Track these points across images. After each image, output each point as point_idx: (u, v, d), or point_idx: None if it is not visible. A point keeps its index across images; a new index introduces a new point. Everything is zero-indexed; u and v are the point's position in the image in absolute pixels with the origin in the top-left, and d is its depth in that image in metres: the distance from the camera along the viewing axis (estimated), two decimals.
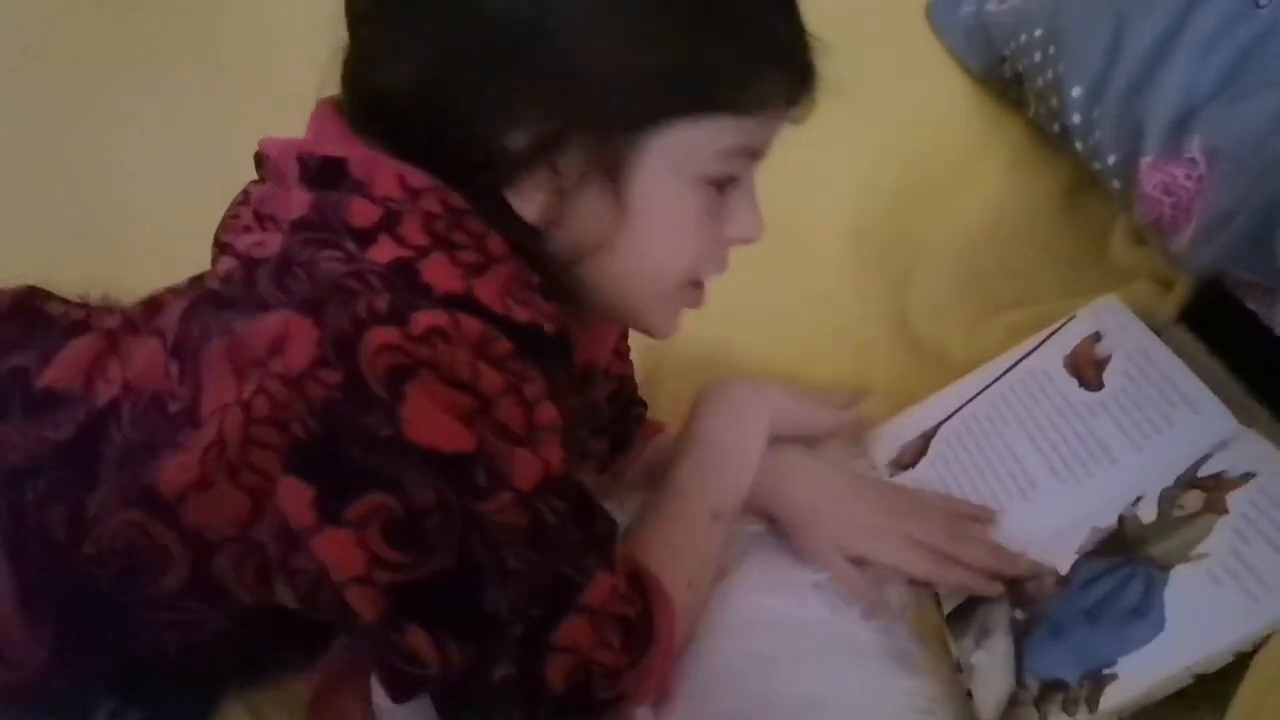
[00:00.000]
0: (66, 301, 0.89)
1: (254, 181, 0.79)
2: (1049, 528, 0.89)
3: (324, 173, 0.71)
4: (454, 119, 0.70)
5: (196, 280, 0.80)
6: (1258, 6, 0.91)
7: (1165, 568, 0.78)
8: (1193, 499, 0.82)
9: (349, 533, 0.63)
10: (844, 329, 1.18)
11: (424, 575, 0.64)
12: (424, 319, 0.65)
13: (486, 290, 0.69)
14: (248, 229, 0.74)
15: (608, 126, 0.71)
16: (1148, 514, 0.83)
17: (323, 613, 0.69)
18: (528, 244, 0.73)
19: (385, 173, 0.70)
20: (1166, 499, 0.83)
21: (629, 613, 0.72)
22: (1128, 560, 0.81)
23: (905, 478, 1.00)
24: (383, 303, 0.65)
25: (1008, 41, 1.14)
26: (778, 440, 0.92)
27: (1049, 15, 1.08)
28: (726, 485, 0.88)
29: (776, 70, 0.74)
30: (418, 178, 0.70)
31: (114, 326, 0.78)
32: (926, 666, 0.84)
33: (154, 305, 0.80)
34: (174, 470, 0.67)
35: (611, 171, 0.72)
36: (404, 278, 0.67)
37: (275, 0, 1.23)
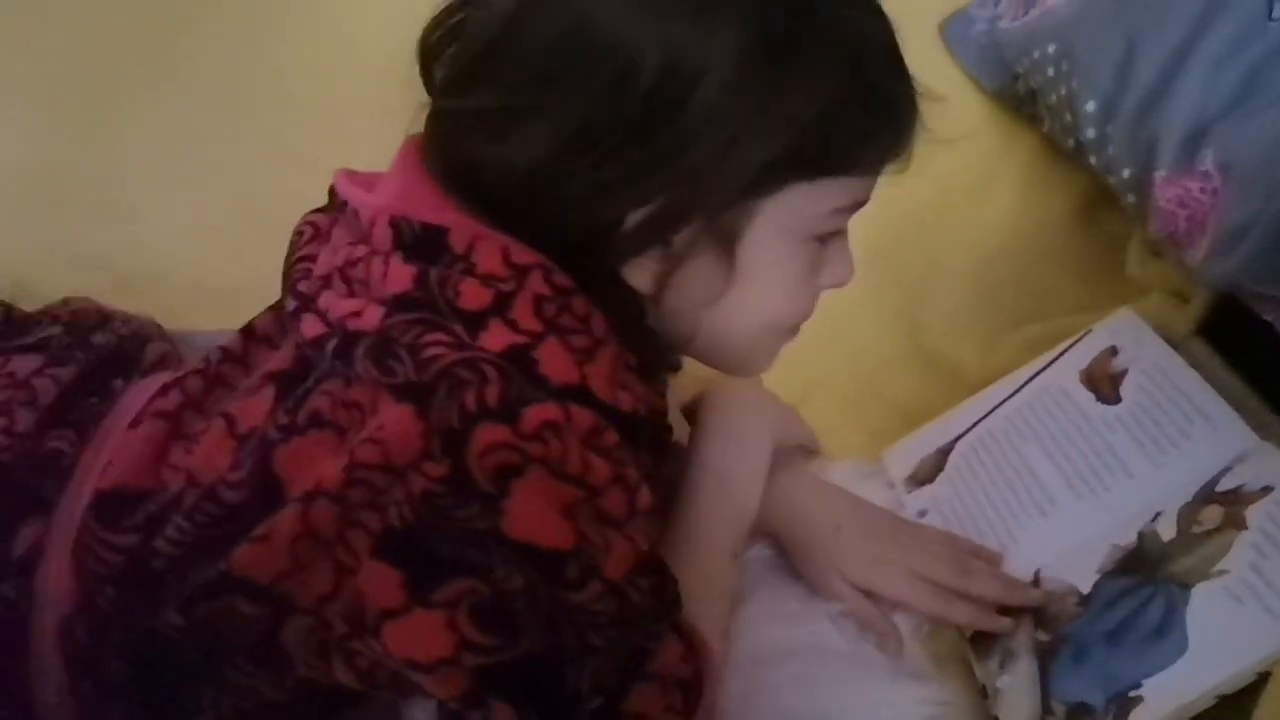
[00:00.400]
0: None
1: (318, 212, 0.78)
2: (1068, 544, 0.87)
3: (422, 242, 0.68)
4: (573, 195, 0.69)
5: (255, 337, 0.78)
6: (1270, 20, 0.90)
7: (1186, 586, 0.77)
8: (1212, 514, 0.80)
9: (439, 614, 0.62)
10: (860, 345, 1.16)
11: (512, 658, 0.63)
12: (536, 414, 0.63)
13: (598, 378, 0.68)
14: (332, 287, 0.71)
15: (730, 199, 0.70)
16: (1167, 531, 0.82)
17: (379, 690, 0.68)
18: (632, 317, 0.72)
19: (489, 247, 0.68)
20: (1185, 515, 0.82)
21: (687, 674, 0.70)
22: (1149, 579, 0.79)
23: (922, 494, 0.98)
24: (494, 396, 0.63)
25: (1020, 58, 1.13)
26: (781, 452, 0.91)
27: (1061, 31, 1.06)
28: (741, 520, 0.86)
29: (893, 129, 0.74)
30: (522, 253, 0.68)
31: (171, 409, 0.76)
32: (939, 679, 0.83)
33: (214, 377, 0.77)
34: (253, 559, 0.66)
35: (726, 239, 0.71)
36: (519, 367, 0.65)
37: (302, 37, 1.23)
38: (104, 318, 0.90)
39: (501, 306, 0.66)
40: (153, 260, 1.15)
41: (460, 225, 0.69)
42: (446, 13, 0.75)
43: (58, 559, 0.72)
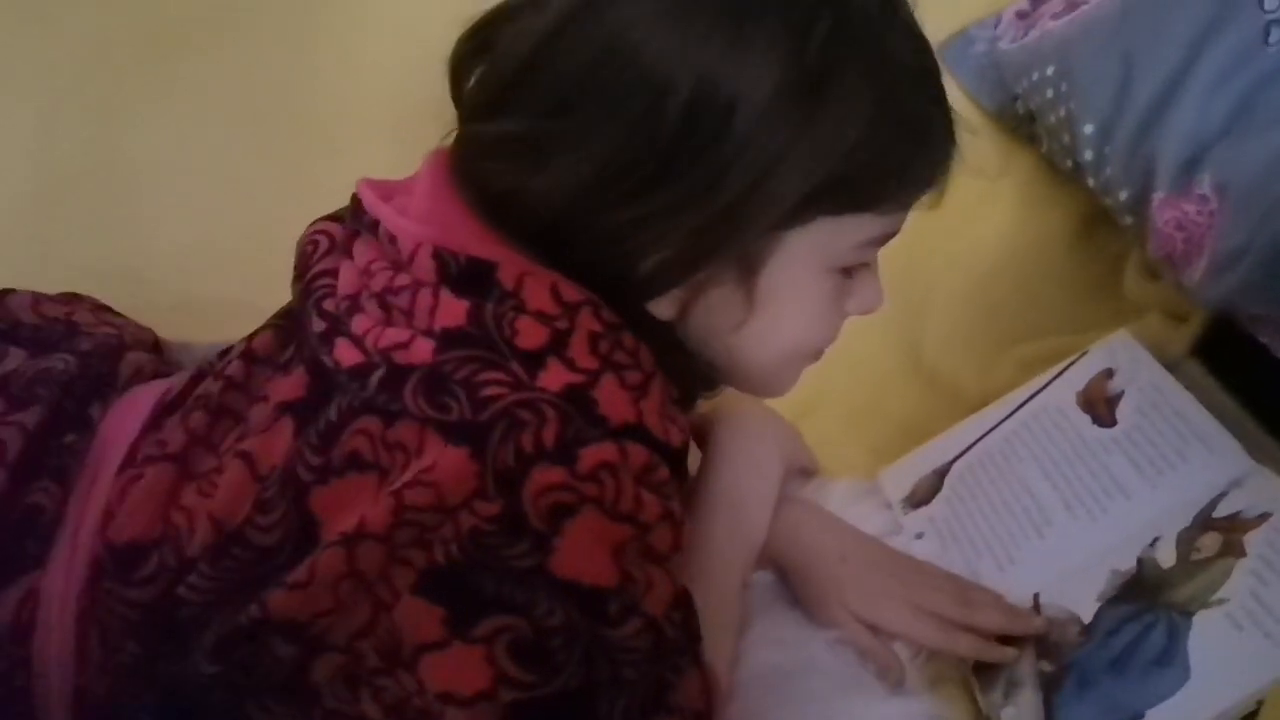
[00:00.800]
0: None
1: (328, 220, 0.76)
2: (1066, 566, 0.86)
3: (469, 276, 0.67)
4: (606, 226, 0.67)
5: (255, 359, 0.75)
6: (1266, 44, 0.88)
7: (1188, 614, 0.76)
8: (1210, 541, 0.79)
9: (478, 649, 0.62)
10: (861, 361, 1.13)
11: (548, 694, 0.62)
12: (593, 455, 0.63)
13: (652, 414, 0.66)
14: (364, 310, 0.69)
15: (758, 232, 0.68)
16: (1166, 557, 0.81)
17: None
18: (669, 346, 0.72)
19: (537, 283, 0.66)
20: (1184, 541, 0.81)
21: (702, 706, 0.68)
22: (1150, 607, 0.78)
23: (920, 515, 0.97)
24: (550, 437, 0.62)
25: (1019, 79, 1.12)
26: (787, 477, 0.90)
27: (1060, 53, 1.05)
28: (752, 549, 0.85)
29: (926, 161, 0.72)
30: (570, 289, 0.67)
31: (177, 450, 0.72)
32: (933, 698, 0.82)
33: (218, 409, 0.74)
34: (291, 602, 0.65)
35: (748, 268, 0.70)
36: (578, 407, 0.64)
37: (309, 50, 1.22)
38: (70, 328, 0.85)
39: (558, 345, 0.65)
40: (150, 271, 1.14)
41: (508, 260, 0.67)
42: (477, 30, 0.74)
43: (59, 622, 0.70)
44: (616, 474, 0.63)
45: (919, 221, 1.13)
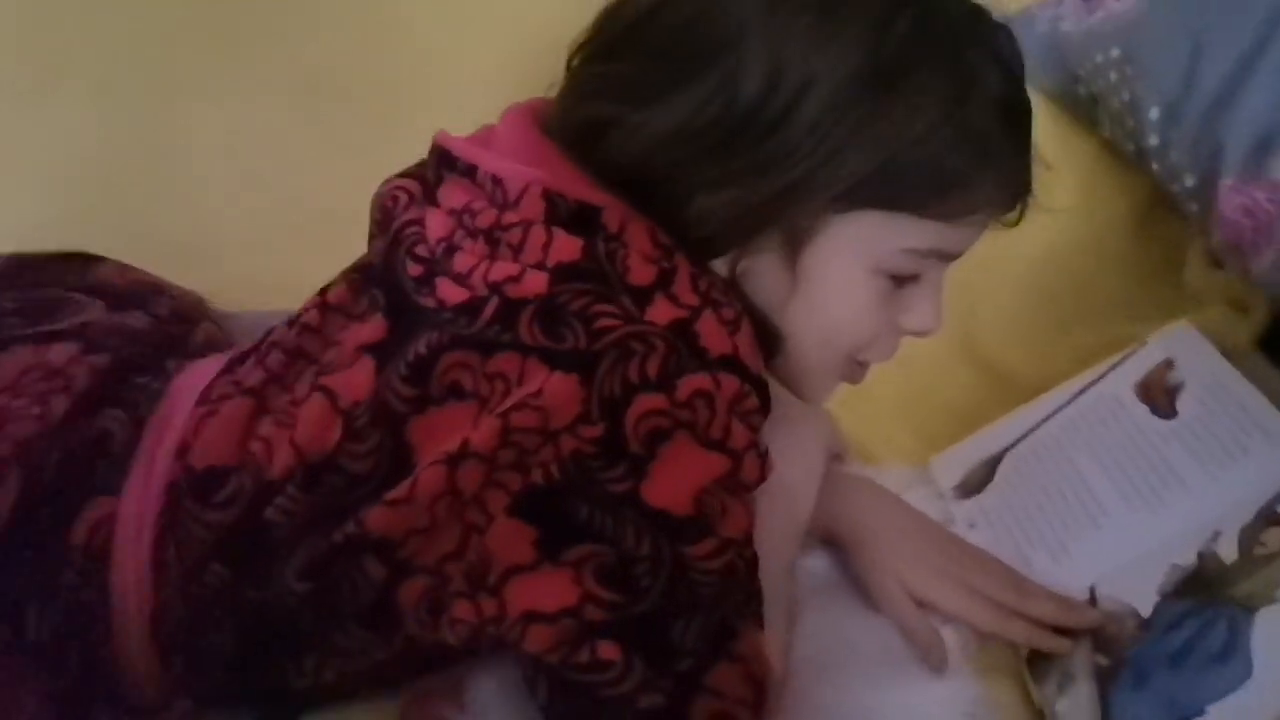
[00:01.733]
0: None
1: (404, 178, 0.77)
2: (1123, 558, 0.83)
3: (577, 218, 0.70)
4: (680, 177, 0.70)
5: (330, 308, 0.76)
6: None
7: (1250, 610, 0.72)
8: (1275, 536, 0.76)
9: (566, 572, 0.64)
10: (912, 347, 1.07)
11: (629, 615, 0.64)
12: (689, 384, 0.65)
13: (745, 347, 0.69)
14: (464, 249, 0.70)
15: (808, 208, 0.70)
16: (1228, 552, 0.77)
17: (478, 649, 0.69)
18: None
19: (638, 227, 0.70)
20: (1247, 536, 0.77)
21: (761, 674, 0.68)
22: (1210, 602, 0.75)
23: (971, 504, 0.94)
24: (655, 367, 0.65)
25: (1082, 61, 1.08)
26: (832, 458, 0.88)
27: (1125, 36, 1.02)
28: (799, 532, 0.83)
29: (990, 184, 0.73)
30: (665, 235, 0.70)
31: (255, 384, 0.74)
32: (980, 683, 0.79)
33: (294, 350, 0.76)
34: (389, 519, 0.67)
35: (794, 241, 0.72)
36: (684, 340, 0.66)
37: (359, 30, 1.21)
38: (154, 289, 0.89)
39: (665, 282, 0.68)
40: (209, 251, 1.12)
41: (612, 205, 0.70)
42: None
43: (135, 544, 0.70)
44: (711, 401, 0.65)
45: None
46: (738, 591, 0.68)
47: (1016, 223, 0.77)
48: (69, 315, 0.81)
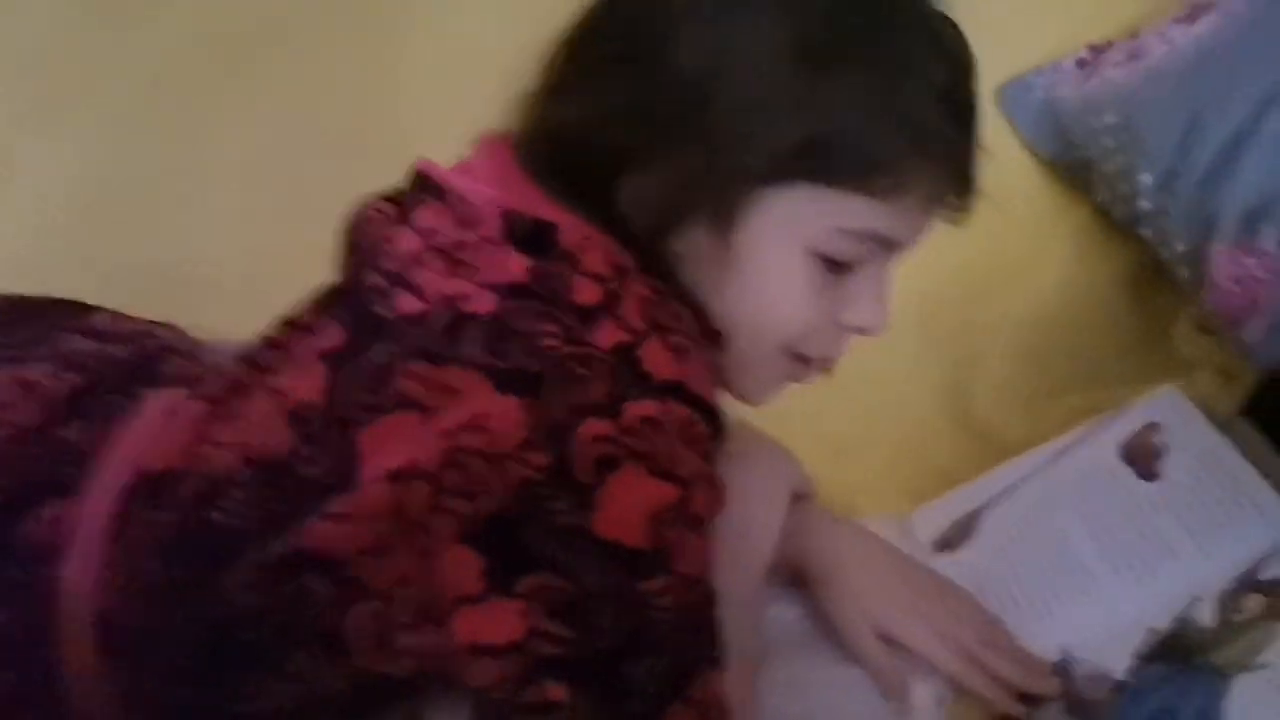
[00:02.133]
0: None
1: (383, 200, 0.76)
2: (1107, 625, 0.81)
3: (533, 237, 0.69)
4: (611, 162, 0.71)
5: (296, 326, 0.75)
6: None
7: (1226, 677, 0.71)
8: (1253, 603, 0.75)
9: (516, 604, 0.61)
10: (903, 405, 1.12)
11: (580, 652, 0.62)
12: (636, 410, 0.63)
13: (692, 375, 0.67)
14: (426, 266, 0.70)
15: (736, 178, 0.69)
16: (1206, 617, 0.76)
17: (427, 684, 0.67)
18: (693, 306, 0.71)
19: (595, 247, 0.68)
20: (1226, 602, 0.76)
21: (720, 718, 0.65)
22: (1186, 667, 0.73)
23: (950, 559, 0.92)
24: (601, 391, 0.63)
25: (1077, 127, 1.09)
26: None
27: (1122, 104, 1.02)
28: (760, 573, 0.80)
29: (922, 165, 0.71)
30: (621, 255, 0.69)
31: (214, 392, 0.73)
32: None
33: (254, 363, 0.74)
34: (333, 535, 0.65)
35: (724, 218, 0.70)
36: (626, 365, 0.65)
37: (384, 53, 1.22)
38: (145, 333, 0.87)
39: (612, 304, 0.66)
40: (220, 273, 1.13)
41: (569, 223, 0.69)
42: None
43: (85, 544, 0.68)
44: (658, 428, 0.63)
45: (973, 271, 1.15)
46: (695, 632, 0.65)
47: (962, 221, 0.75)
48: (53, 345, 0.80)
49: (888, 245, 0.73)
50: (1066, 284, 1.14)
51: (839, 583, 0.82)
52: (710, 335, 0.72)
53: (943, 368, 1.14)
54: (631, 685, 0.62)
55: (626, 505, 0.62)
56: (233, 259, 1.14)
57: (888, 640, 0.80)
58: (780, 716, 0.77)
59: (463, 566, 0.62)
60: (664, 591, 0.63)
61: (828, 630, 0.83)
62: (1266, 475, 0.85)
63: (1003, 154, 1.16)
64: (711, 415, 0.67)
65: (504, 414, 0.63)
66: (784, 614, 0.84)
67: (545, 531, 0.62)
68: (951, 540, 0.94)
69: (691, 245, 0.71)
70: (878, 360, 1.04)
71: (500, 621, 0.61)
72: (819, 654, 0.82)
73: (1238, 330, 0.89)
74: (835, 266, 0.72)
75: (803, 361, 0.76)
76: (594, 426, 0.62)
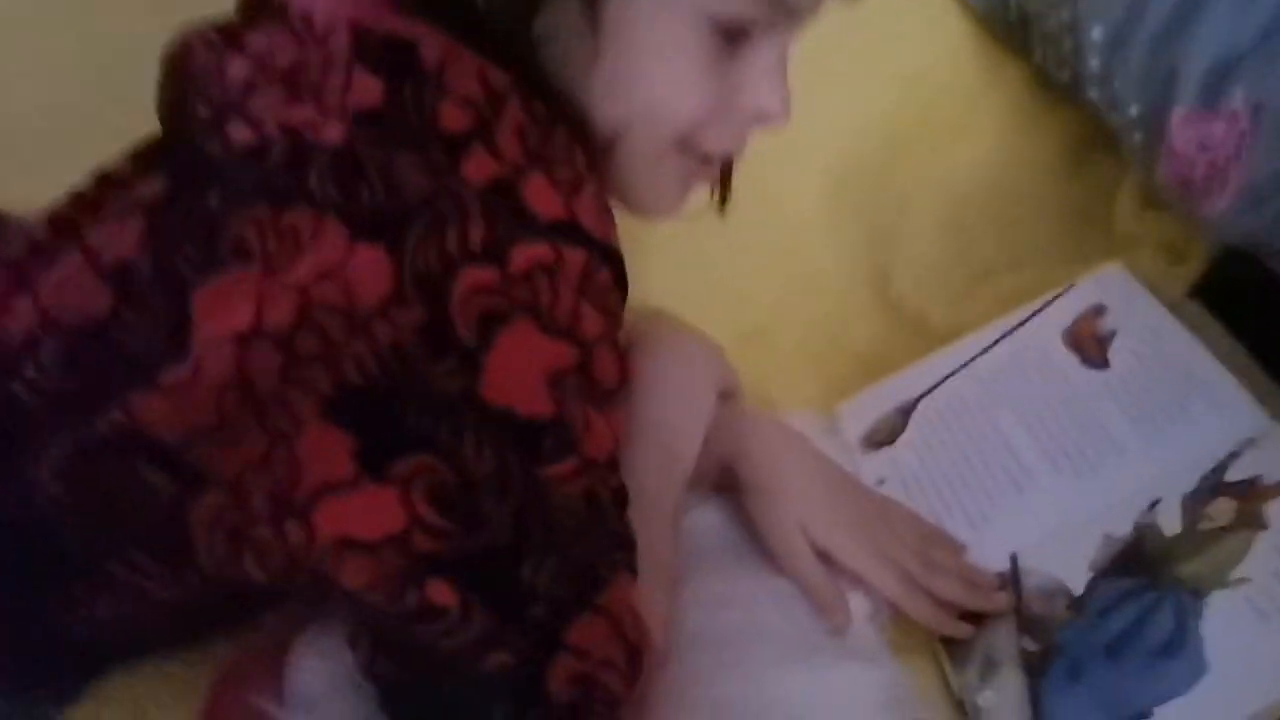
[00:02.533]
0: None
1: (198, 28, 0.67)
2: (1050, 527, 0.74)
3: (388, 56, 0.58)
4: None
5: (110, 182, 0.66)
6: None
7: (1199, 594, 0.63)
8: (1223, 509, 0.67)
9: (392, 490, 0.53)
10: (818, 285, 1.02)
11: (468, 548, 0.54)
12: (525, 254, 0.55)
13: (586, 212, 0.58)
14: (261, 92, 0.60)
15: None
16: (1170, 524, 0.69)
17: (294, 590, 0.60)
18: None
19: (462, 66, 0.58)
20: (1191, 507, 0.69)
21: (634, 636, 0.58)
22: (1152, 582, 0.65)
23: (880, 458, 0.84)
24: (478, 234, 0.54)
25: None
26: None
27: None
28: (680, 479, 0.72)
29: None
30: (499, 76, 0.58)
31: (16, 256, 0.65)
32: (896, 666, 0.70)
33: (63, 222, 0.66)
34: (163, 411, 0.56)
35: None
36: (506, 202, 0.56)
37: None
38: None
39: (484, 132, 0.57)
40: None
41: (429, 39, 0.58)
42: None
43: None
44: (553, 277, 0.55)
45: (893, 135, 1.07)
46: (604, 531, 0.58)
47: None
48: None
49: (781, 8, 0.62)
50: (998, 155, 1.05)
51: (775, 492, 0.73)
52: (595, 143, 0.63)
53: (862, 243, 1.05)
54: (533, 590, 0.55)
55: (519, 367, 0.55)
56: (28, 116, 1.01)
57: (824, 559, 0.71)
58: (703, 633, 0.68)
59: (327, 448, 0.54)
60: (567, 477, 0.56)
61: (753, 540, 0.74)
62: (1222, 362, 0.77)
63: (931, 10, 1.11)
64: (613, 260, 0.60)
65: (364, 264, 0.53)
66: (703, 520, 0.75)
67: (423, 403, 0.53)
68: (881, 436, 0.86)
69: (562, 30, 0.60)
70: (790, 232, 1.04)
71: (375, 510, 0.53)
72: (744, 566, 0.73)
73: (1198, 203, 0.80)
74: (728, 37, 0.62)
75: (703, 160, 0.67)
76: (475, 276, 0.53)
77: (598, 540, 0.58)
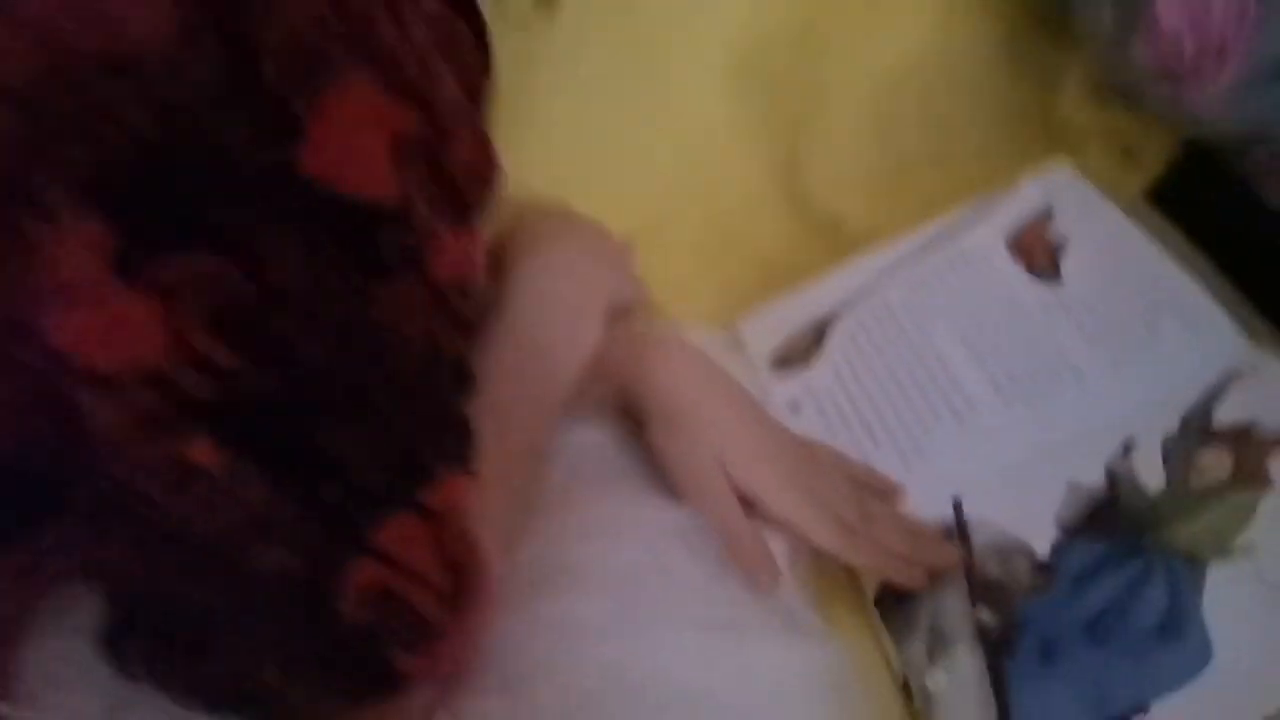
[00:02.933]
0: None
1: None
2: (997, 467, 0.64)
3: None
4: None
5: None
6: None
7: (1196, 563, 0.52)
8: (1216, 461, 0.58)
9: (151, 300, 0.39)
10: (719, 177, 0.93)
11: (256, 390, 0.41)
12: None
13: None
14: None
15: None
16: (1151, 474, 0.59)
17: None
18: None
19: None
20: (1177, 455, 0.59)
21: (460, 551, 0.47)
22: (1135, 547, 0.55)
23: (793, 381, 0.73)
24: None
25: None
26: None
27: None
28: (550, 409, 0.61)
29: None
30: None
31: None
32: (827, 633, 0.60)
33: None
34: None
35: None
36: None
37: None
38: None
39: None
40: None
41: None
42: None
43: None
44: (394, 12, 0.43)
45: (808, 11, 0.96)
46: (439, 404, 0.47)
47: None
48: None
49: None
50: (926, 35, 0.95)
51: (686, 420, 0.62)
52: None
53: (769, 133, 0.95)
54: (332, 462, 0.43)
55: (351, 128, 0.42)
56: None
57: (743, 500, 0.61)
58: (581, 565, 0.58)
59: (77, 243, 0.40)
60: (403, 304, 0.44)
61: (646, 464, 0.63)
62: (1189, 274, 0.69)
63: None
64: (470, 13, 0.50)
65: None
66: (582, 439, 0.64)
67: (211, 184, 0.40)
68: (794, 356, 0.75)
69: None
70: (687, 115, 0.94)
71: (123, 327, 0.40)
72: (632, 492, 0.63)
73: (1185, 87, 0.69)
74: None
75: None
76: (294, 4, 0.41)
77: (430, 415, 0.47)
